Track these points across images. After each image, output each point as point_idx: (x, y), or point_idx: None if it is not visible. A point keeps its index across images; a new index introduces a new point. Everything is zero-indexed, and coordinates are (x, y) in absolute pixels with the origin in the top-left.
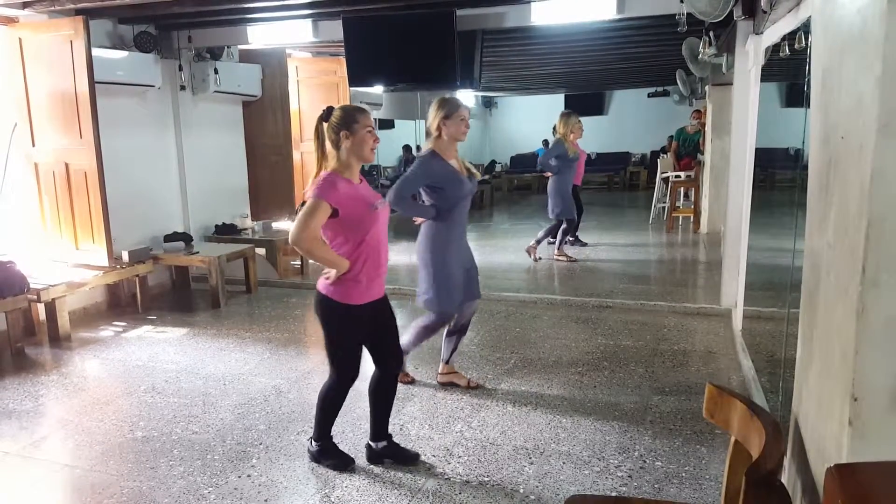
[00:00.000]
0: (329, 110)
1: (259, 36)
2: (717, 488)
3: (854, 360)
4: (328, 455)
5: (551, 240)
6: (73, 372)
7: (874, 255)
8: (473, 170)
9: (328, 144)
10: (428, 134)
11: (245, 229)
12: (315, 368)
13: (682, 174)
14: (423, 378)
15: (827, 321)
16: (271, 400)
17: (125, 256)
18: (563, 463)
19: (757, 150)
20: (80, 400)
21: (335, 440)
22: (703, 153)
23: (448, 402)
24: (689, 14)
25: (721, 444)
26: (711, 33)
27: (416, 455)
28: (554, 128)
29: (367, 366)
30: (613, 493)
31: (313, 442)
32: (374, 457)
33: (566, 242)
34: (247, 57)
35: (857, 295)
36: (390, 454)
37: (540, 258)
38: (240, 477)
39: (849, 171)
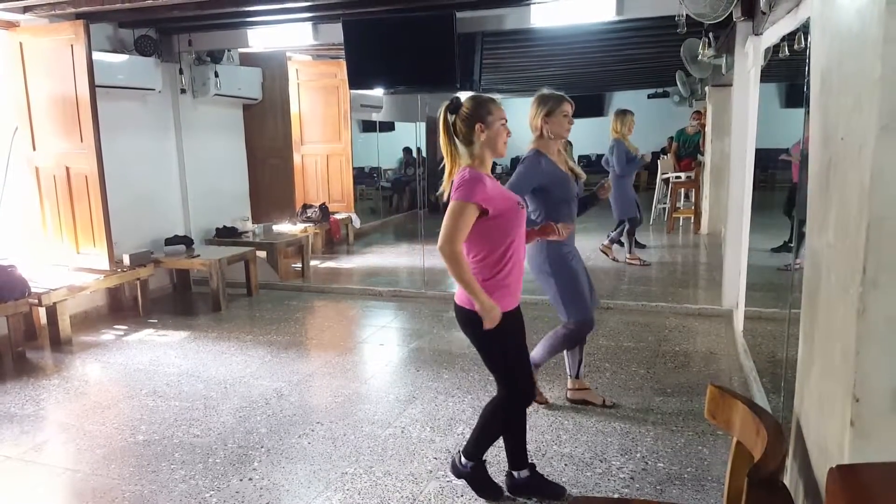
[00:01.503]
0: (457, 101)
1: (259, 39)
2: (720, 489)
3: (855, 361)
4: (476, 480)
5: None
6: (75, 376)
7: (874, 256)
8: (578, 169)
9: (457, 139)
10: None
11: (246, 232)
12: (316, 371)
13: (683, 175)
14: (422, 380)
15: (828, 321)
16: (272, 403)
17: (126, 260)
18: (565, 465)
19: (757, 150)
20: (81, 404)
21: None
22: (703, 154)
23: (449, 404)
24: (688, 15)
25: (723, 446)
26: (711, 34)
27: (563, 489)
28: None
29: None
30: (616, 495)
31: (462, 457)
32: (514, 487)
33: (618, 242)
34: (247, 60)
35: (858, 295)
36: (532, 487)
37: (646, 262)
38: (241, 480)
39: (849, 172)
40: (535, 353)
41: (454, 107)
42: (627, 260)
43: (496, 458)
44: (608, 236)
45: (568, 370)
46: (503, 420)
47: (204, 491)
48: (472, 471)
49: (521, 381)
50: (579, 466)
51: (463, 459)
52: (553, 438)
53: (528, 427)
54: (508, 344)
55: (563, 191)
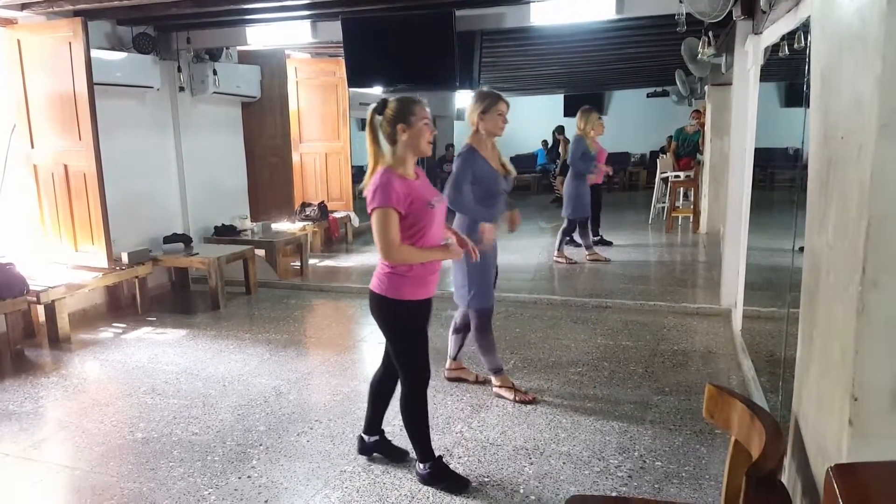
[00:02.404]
0: (383, 102)
1: (258, 37)
2: (717, 488)
3: (854, 360)
4: (440, 478)
5: (577, 241)
6: (73, 374)
7: (874, 255)
8: (510, 167)
9: (382, 138)
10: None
11: (244, 230)
12: (315, 370)
13: (682, 174)
14: None
15: (827, 321)
16: (271, 401)
17: (124, 258)
18: (563, 463)
19: (756, 149)
20: (79, 401)
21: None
22: (702, 153)
23: (448, 402)
24: (688, 14)
25: (721, 444)
26: (710, 33)
27: (406, 453)
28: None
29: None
30: (613, 494)
31: (420, 465)
32: (364, 450)
33: (567, 243)
34: (246, 58)
35: (857, 295)
36: (380, 449)
37: (573, 260)
38: (240, 478)
39: (848, 172)
40: (486, 363)
41: (380, 108)
42: (555, 258)
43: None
44: (581, 244)
45: (449, 351)
46: (419, 406)
47: (203, 488)
48: (433, 469)
49: (419, 370)
50: (577, 465)
51: (421, 466)
52: (551, 437)
53: (526, 424)
54: (407, 334)
55: (492, 185)
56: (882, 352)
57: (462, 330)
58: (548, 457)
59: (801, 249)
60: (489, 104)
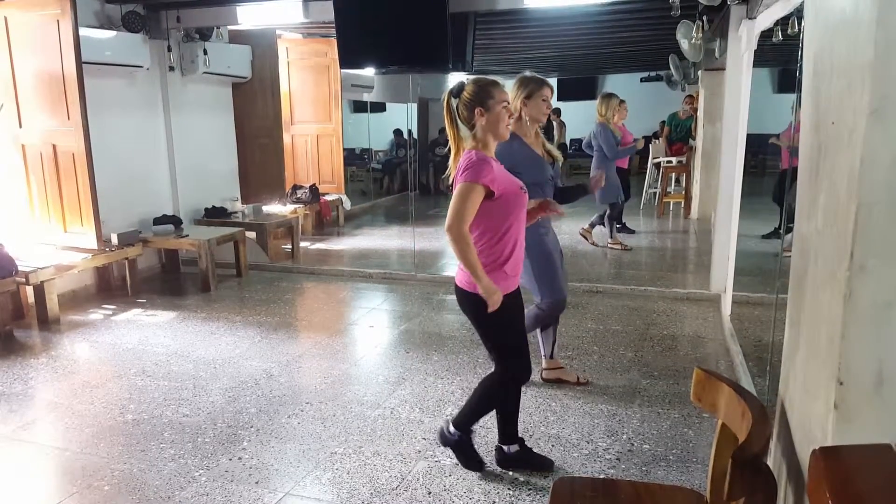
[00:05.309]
0: (460, 85)
1: (249, 16)
2: (705, 471)
3: (840, 345)
4: (462, 450)
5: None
6: (63, 355)
7: (862, 241)
8: (556, 153)
9: (459, 122)
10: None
11: (235, 212)
12: (305, 352)
13: (674, 159)
14: (412, 362)
15: (814, 306)
16: (262, 383)
17: (114, 239)
18: (552, 446)
19: (748, 135)
20: (69, 383)
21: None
22: (694, 139)
23: (438, 385)
24: None
25: (708, 428)
26: (705, 17)
27: (552, 462)
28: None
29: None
30: (602, 476)
31: (451, 426)
32: (505, 461)
33: (601, 226)
34: (236, 38)
35: (845, 280)
36: (523, 458)
37: (627, 246)
38: (230, 459)
39: (839, 157)
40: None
41: (457, 91)
42: (609, 244)
43: (482, 438)
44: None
45: (541, 350)
46: (500, 396)
47: (193, 470)
48: (459, 440)
49: (518, 359)
50: (566, 447)
51: (452, 428)
52: (541, 419)
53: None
54: (507, 324)
55: (536, 173)
56: (868, 336)
57: (550, 324)
58: (537, 440)
59: (776, 230)
60: (533, 89)
